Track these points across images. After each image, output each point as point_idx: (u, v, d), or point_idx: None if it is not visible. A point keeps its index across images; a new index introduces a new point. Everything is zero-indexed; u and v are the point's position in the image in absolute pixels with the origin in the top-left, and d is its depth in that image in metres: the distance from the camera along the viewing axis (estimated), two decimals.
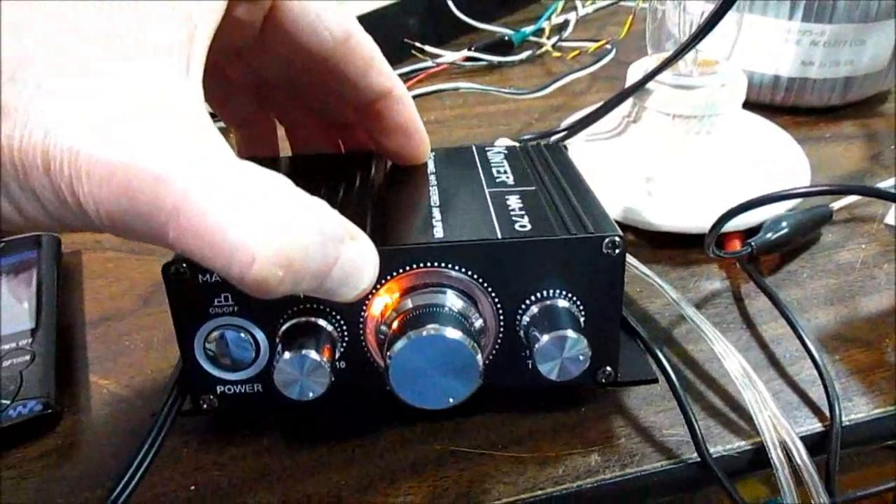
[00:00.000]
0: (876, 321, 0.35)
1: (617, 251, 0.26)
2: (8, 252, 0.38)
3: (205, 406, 0.28)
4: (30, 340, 0.33)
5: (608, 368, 0.29)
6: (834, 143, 0.48)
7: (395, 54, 0.56)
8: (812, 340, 0.33)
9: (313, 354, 0.24)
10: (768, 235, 0.37)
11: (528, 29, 0.59)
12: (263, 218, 0.19)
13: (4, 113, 0.18)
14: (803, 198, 0.38)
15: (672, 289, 0.35)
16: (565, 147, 0.34)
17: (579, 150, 0.42)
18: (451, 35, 0.59)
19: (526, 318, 0.26)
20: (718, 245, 0.38)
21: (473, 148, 0.34)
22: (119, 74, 0.19)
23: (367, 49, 0.29)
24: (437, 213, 0.27)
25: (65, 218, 0.19)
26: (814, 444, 0.30)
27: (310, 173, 0.31)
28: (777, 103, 0.50)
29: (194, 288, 0.25)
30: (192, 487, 0.28)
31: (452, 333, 0.24)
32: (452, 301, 0.25)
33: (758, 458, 0.30)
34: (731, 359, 0.31)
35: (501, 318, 0.27)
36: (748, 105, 0.44)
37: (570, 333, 0.25)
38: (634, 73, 0.41)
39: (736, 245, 0.37)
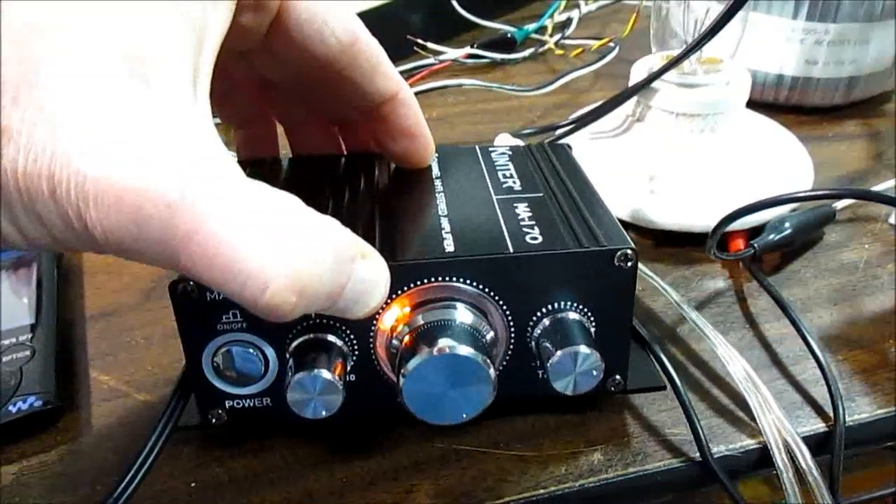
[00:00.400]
0: (879, 321, 0.35)
1: (629, 264, 0.26)
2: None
3: (213, 420, 0.27)
4: (30, 336, 0.33)
5: (617, 377, 0.29)
6: (837, 142, 0.48)
7: (398, 51, 0.56)
8: (815, 340, 0.33)
9: (325, 374, 0.24)
10: (771, 236, 0.37)
11: (531, 26, 0.58)
12: (276, 243, 0.18)
13: (6, 136, 0.17)
14: (805, 202, 0.38)
15: (674, 290, 0.35)
16: (569, 147, 0.34)
17: (582, 149, 0.42)
18: (454, 32, 0.59)
19: (538, 331, 0.26)
20: (722, 243, 0.38)
21: (477, 149, 0.34)
22: (126, 94, 0.18)
23: (374, 53, 0.28)
24: (445, 224, 0.27)
25: (69, 241, 0.18)
26: (817, 444, 0.30)
27: (314, 176, 0.31)
28: (780, 102, 0.50)
29: (202, 305, 0.25)
30: (193, 484, 0.28)
31: (465, 351, 0.24)
32: (464, 315, 0.25)
33: (761, 458, 0.29)
34: (734, 362, 0.31)
35: (512, 329, 0.27)
36: (751, 104, 0.44)
37: (583, 349, 0.25)
38: (638, 71, 0.41)
39: (739, 244, 0.37)
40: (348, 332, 0.26)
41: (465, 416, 0.25)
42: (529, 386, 0.28)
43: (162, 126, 0.18)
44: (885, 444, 0.33)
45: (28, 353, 0.32)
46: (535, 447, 0.29)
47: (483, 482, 0.28)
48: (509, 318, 0.26)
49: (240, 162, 0.32)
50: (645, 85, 0.38)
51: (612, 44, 0.54)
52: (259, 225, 0.18)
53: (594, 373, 0.25)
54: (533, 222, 0.27)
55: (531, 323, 0.27)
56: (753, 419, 0.30)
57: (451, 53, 0.55)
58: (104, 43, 0.18)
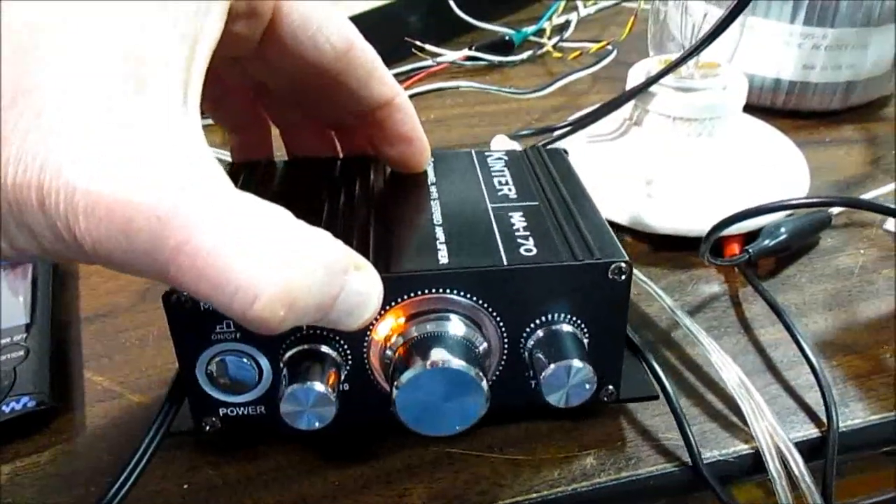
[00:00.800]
0: (874, 327, 0.35)
1: (623, 276, 0.26)
2: None
3: (207, 427, 0.28)
4: (24, 336, 0.33)
5: (610, 387, 0.29)
6: (835, 147, 0.48)
7: (395, 53, 0.56)
8: (809, 345, 0.33)
9: (318, 386, 0.24)
10: (766, 242, 0.37)
11: (529, 29, 0.59)
12: (265, 255, 0.18)
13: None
14: (798, 209, 0.38)
15: (669, 295, 0.35)
16: (566, 152, 0.34)
17: (580, 152, 0.42)
18: (452, 34, 0.59)
19: (531, 341, 0.27)
20: (717, 248, 0.38)
21: (473, 153, 0.34)
22: (121, 102, 0.18)
23: (369, 59, 0.28)
24: (440, 234, 0.27)
25: (59, 251, 0.18)
26: (810, 449, 0.30)
27: (308, 181, 0.31)
28: (778, 107, 0.50)
29: (196, 315, 0.25)
30: (186, 486, 0.28)
31: (458, 364, 0.24)
32: (457, 327, 0.25)
33: (754, 464, 0.30)
34: (727, 369, 0.31)
35: (506, 339, 0.27)
36: (749, 108, 0.44)
37: (576, 363, 0.25)
38: (635, 75, 0.41)
39: (735, 249, 0.37)
40: (342, 342, 0.26)
41: (457, 427, 0.25)
42: (522, 395, 0.28)
43: (154, 137, 0.18)
44: (879, 449, 0.33)
45: (22, 353, 0.32)
46: (529, 451, 0.29)
47: (476, 486, 0.28)
48: (503, 328, 0.26)
49: (234, 164, 0.33)
50: (643, 89, 0.38)
51: (609, 47, 0.54)
52: (249, 237, 0.18)
53: (587, 386, 0.26)
54: (528, 232, 0.27)
55: (525, 333, 0.27)
56: (747, 424, 0.30)
57: (449, 55, 0.55)
58: (104, 42, 0.18)
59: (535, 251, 0.26)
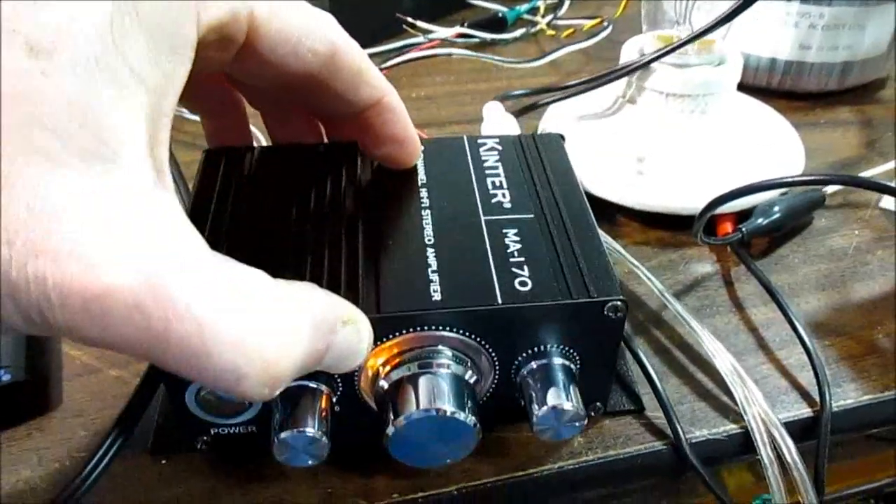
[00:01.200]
0: (867, 308, 0.35)
1: (619, 314, 0.25)
2: None
3: (199, 446, 0.27)
4: None
5: (598, 404, 0.29)
6: (830, 128, 0.48)
7: (387, 29, 0.55)
8: (802, 325, 0.32)
9: (310, 430, 0.24)
10: (760, 220, 0.37)
11: (523, 7, 0.58)
12: (245, 335, 0.18)
13: None
14: (792, 187, 0.37)
15: (660, 277, 0.34)
16: (562, 137, 0.33)
17: (571, 130, 0.41)
18: (444, 11, 0.58)
19: (523, 370, 0.26)
20: (710, 227, 0.37)
21: (465, 142, 0.33)
22: (84, 188, 0.17)
23: (355, 61, 0.27)
24: (432, 259, 0.26)
25: (33, 332, 0.17)
26: (802, 429, 0.30)
27: (290, 177, 0.30)
28: (774, 87, 0.49)
29: None
30: (164, 462, 0.28)
31: (451, 409, 0.24)
32: (450, 363, 0.25)
33: (745, 443, 0.29)
34: (719, 355, 0.30)
35: (497, 366, 0.26)
36: (744, 88, 0.43)
37: (566, 405, 0.25)
38: (629, 51, 0.40)
39: (727, 227, 0.37)
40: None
41: (448, 461, 0.26)
42: (511, 415, 0.28)
43: (125, 222, 0.17)
44: (871, 430, 0.32)
45: None
46: (516, 429, 0.29)
47: (462, 464, 0.27)
48: (494, 357, 0.26)
49: (209, 152, 0.32)
50: (643, 66, 0.37)
51: (605, 23, 0.54)
52: (228, 318, 0.18)
53: (577, 424, 0.26)
54: (522, 258, 0.26)
55: (517, 361, 0.26)
56: (736, 403, 0.29)
57: (441, 32, 0.54)
58: (64, 121, 0.17)
59: (529, 285, 0.25)
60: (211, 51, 0.23)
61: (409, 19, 0.54)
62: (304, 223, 0.28)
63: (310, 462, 0.25)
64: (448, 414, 0.24)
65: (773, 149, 0.41)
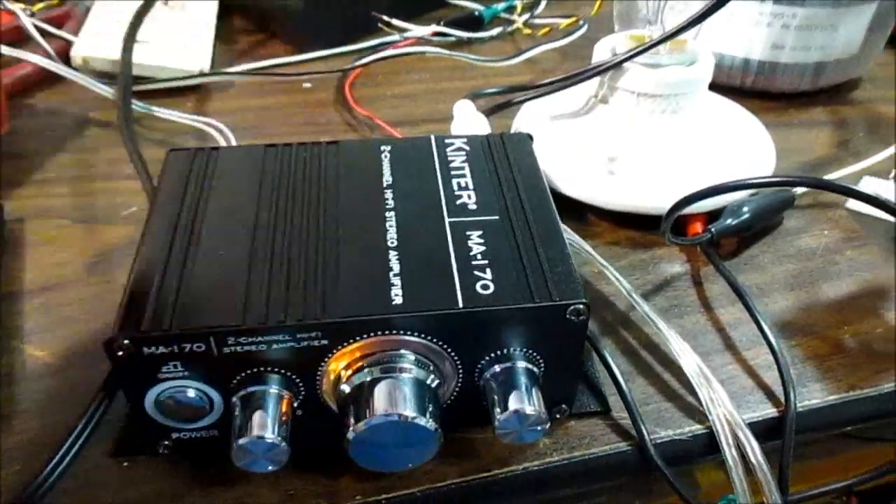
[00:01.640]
0: (835, 308, 0.35)
1: (581, 318, 0.25)
2: None
3: (161, 451, 0.27)
4: None
5: (563, 406, 0.29)
6: (803, 128, 0.48)
7: (362, 27, 0.54)
8: (769, 325, 0.32)
9: (269, 437, 0.24)
10: (729, 221, 0.37)
11: (500, 5, 0.57)
12: None
13: None
14: (760, 188, 0.37)
15: (628, 276, 0.34)
16: (530, 137, 0.33)
17: (542, 129, 0.41)
18: (420, 9, 0.58)
19: (486, 374, 0.26)
20: (681, 227, 0.37)
21: (433, 142, 0.33)
22: None
23: None
24: (394, 262, 0.26)
25: None
26: (768, 429, 0.30)
27: (253, 176, 0.30)
28: (747, 87, 0.49)
29: (140, 360, 0.24)
30: (126, 464, 0.27)
31: (412, 414, 0.24)
32: (411, 368, 0.25)
33: (710, 443, 0.29)
34: (685, 356, 0.30)
35: (461, 370, 0.26)
36: (717, 88, 0.43)
37: (528, 409, 0.25)
38: (601, 50, 0.40)
39: (697, 227, 0.37)
40: (293, 376, 0.25)
41: (410, 465, 0.26)
42: (474, 416, 0.28)
43: None
44: (836, 430, 0.32)
45: None
46: (481, 430, 0.29)
47: (426, 465, 0.27)
48: (457, 361, 0.26)
49: (177, 150, 0.31)
50: (616, 65, 0.37)
51: (581, 22, 0.54)
52: None
53: (539, 427, 0.26)
54: (486, 260, 0.26)
55: (480, 366, 0.26)
56: (702, 404, 0.30)
57: (417, 30, 0.54)
58: None
59: (491, 288, 0.25)
60: None
61: (385, 17, 0.53)
62: (266, 225, 0.28)
63: (270, 468, 0.25)
64: (409, 419, 0.24)
65: (744, 149, 0.41)
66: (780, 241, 0.39)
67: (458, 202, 0.29)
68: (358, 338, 0.25)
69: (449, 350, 0.26)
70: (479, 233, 0.28)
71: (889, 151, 0.43)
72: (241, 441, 0.24)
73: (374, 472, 0.27)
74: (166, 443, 0.27)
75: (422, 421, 0.24)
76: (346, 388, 0.25)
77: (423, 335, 0.25)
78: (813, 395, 0.31)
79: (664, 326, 0.32)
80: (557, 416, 0.29)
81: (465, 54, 0.51)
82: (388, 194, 0.29)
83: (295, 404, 0.26)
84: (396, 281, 0.25)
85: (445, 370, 0.26)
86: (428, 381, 0.25)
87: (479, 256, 0.27)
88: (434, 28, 0.54)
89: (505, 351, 0.26)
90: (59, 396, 0.30)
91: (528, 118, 0.43)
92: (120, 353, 0.24)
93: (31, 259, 0.37)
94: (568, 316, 0.25)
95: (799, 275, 0.37)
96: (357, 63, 0.50)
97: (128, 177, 0.42)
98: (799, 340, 0.33)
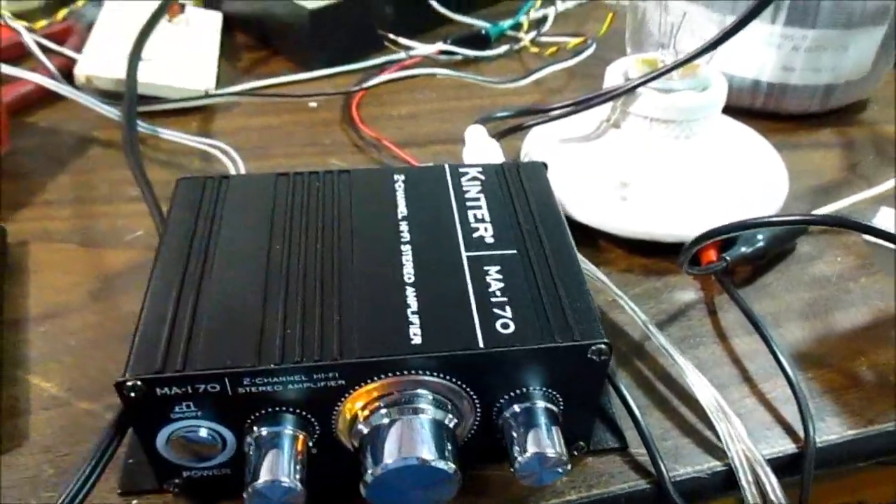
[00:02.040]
0: (850, 338, 0.35)
1: (603, 357, 0.25)
2: None
3: (172, 489, 0.26)
4: None
5: (581, 443, 0.28)
6: (812, 150, 0.48)
7: (367, 44, 0.54)
8: (786, 357, 0.32)
9: (285, 481, 0.23)
10: (743, 249, 0.36)
11: (506, 23, 0.57)
12: None
13: None
14: (783, 226, 0.37)
15: (643, 307, 0.34)
16: (545, 165, 0.33)
17: (555, 153, 0.41)
18: (426, 27, 0.57)
19: (505, 413, 0.26)
20: (694, 254, 0.37)
21: (447, 171, 0.32)
22: None
23: None
24: (412, 299, 0.26)
25: None
26: (786, 465, 0.29)
27: (264, 207, 0.30)
28: (756, 108, 0.49)
29: (153, 400, 0.23)
30: (135, 502, 0.27)
31: (430, 457, 0.23)
32: (430, 409, 0.25)
33: (729, 480, 0.29)
34: (703, 390, 0.30)
35: (479, 409, 0.26)
36: (726, 109, 0.43)
37: (549, 451, 0.25)
38: (613, 74, 0.40)
39: (711, 255, 0.36)
40: (308, 415, 0.25)
41: None
42: (491, 453, 0.27)
43: None
44: (854, 464, 0.32)
45: None
46: (497, 467, 0.28)
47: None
48: (476, 400, 0.26)
49: (186, 180, 0.31)
50: (630, 91, 0.37)
51: (589, 41, 0.53)
52: None
53: (559, 471, 0.25)
54: (504, 297, 0.26)
55: (498, 404, 0.26)
56: (722, 441, 0.29)
57: (423, 49, 0.53)
58: None
59: (512, 327, 0.25)
60: None
61: (391, 36, 0.53)
62: (279, 258, 0.27)
63: None
64: (428, 462, 0.23)
65: (757, 174, 0.41)
66: (794, 267, 0.38)
67: (475, 235, 0.29)
68: (376, 378, 0.24)
69: (467, 389, 0.25)
70: (497, 268, 0.27)
71: None
72: (258, 485, 0.23)
73: None
74: (176, 481, 0.26)
75: (441, 464, 0.24)
76: (363, 429, 0.24)
77: (441, 375, 0.25)
78: (832, 430, 0.30)
79: (680, 359, 0.31)
80: (575, 452, 0.28)
81: (475, 76, 0.50)
82: (404, 226, 0.29)
83: (310, 443, 0.25)
84: (415, 319, 0.25)
85: (463, 409, 0.26)
86: (446, 422, 0.25)
87: (497, 293, 0.26)
88: (440, 46, 0.53)
89: (524, 389, 0.26)
90: (64, 430, 0.29)
91: (538, 142, 0.43)
92: (132, 395, 0.23)
93: (34, 285, 0.36)
94: (590, 356, 0.25)
95: (813, 303, 0.36)
96: (366, 84, 0.50)
97: (131, 199, 0.41)
98: (815, 373, 0.33)
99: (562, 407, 0.26)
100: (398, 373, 0.24)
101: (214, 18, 0.56)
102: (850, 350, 0.34)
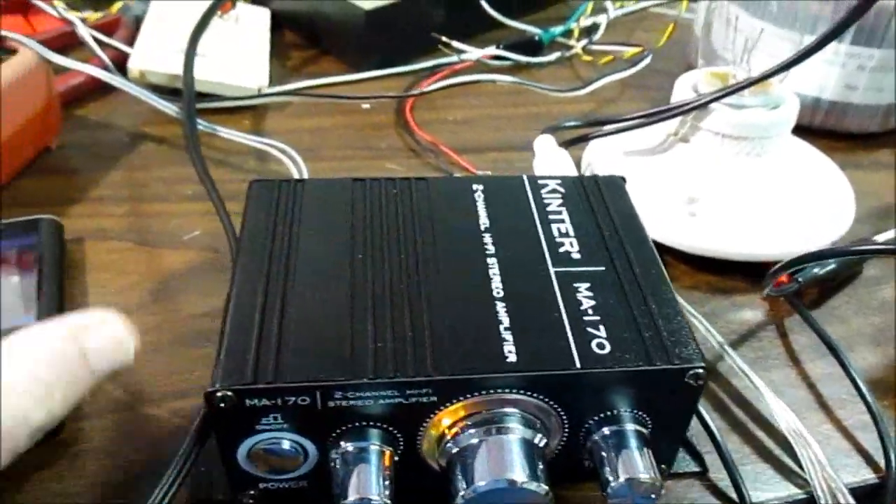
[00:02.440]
0: None
1: (699, 382, 0.24)
2: (6, 237, 0.35)
3: (246, 501, 0.26)
4: None
5: (663, 466, 0.28)
6: (872, 170, 0.47)
7: (420, 47, 0.53)
8: (863, 383, 0.31)
9: (375, 498, 0.23)
10: (815, 270, 0.36)
11: (557, 29, 0.56)
12: None
13: None
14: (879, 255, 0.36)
15: (714, 326, 0.33)
16: (623, 179, 0.32)
17: (617, 166, 0.40)
18: (477, 30, 0.56)
19: (594, 435, 0.25)
20: (757, 272, 0.36)
21: (526, 182, 0.31)
22: None
23: None
24: (503, 314, 0.25)
25: None
26: (866, 495, 0.29)
27: (343, 213, 0.29)
28: (815, 126, 0.48)
29: (241, 411, 0.23)
30: None
31: (521, 477, 0.23)
32: (521, 429, 0.24)
33: None
34: (782, 415, 0.29)
35: (566, 428, 0.25)
36: None
37: (644, 477, 0.24)
38: (682, 87, 0.39)
39: (783, 277, 0.35)
40: (395, 431, 0.24)
41: None
42: (575, 474, 0.27)
43: None
44: None
45: None
46: (575, 487, 0.27)
47: None
48: (564, 419, 0.25)
49: (259, 182, 0.30)
50: (704, 104, 0.36)
51: (645, 52, 0.52)
52: None
53: (653, 497, 0.24)
54: (597, 317, 0.25)
55: (587, 425, 0.25)
56: (801, 467, 0.28)
57: (475, 53, 0.52)
58: None
59: (607, 348, 0.24)
60: None
61: (444, 39, 0.52)
62: (362, 266, 0.27)
63: None
64: (520, 484, 0.23)
65: (824, 193, 0.40)
66: (862, 291, 0.38)
67: (561, 250, 0.28)
68: (468, 395, 0.24)
69: (557, 408, 0.25)
70: (587, 285, 0.26)
71: None
72: (350, 501, 0.23)
73: None
74: (252, 492, 0.26)
75: (533, 486, 0.23)
76: (452, 448, 0.24)
77: (532, 394, 0.24)
78: None
79: (759, 382, 0.31)
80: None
81: (535, 83, 0.50)
82: (487, 238, 0.28)
83: (395, 459, 0.25)
84: (508, 336, 0.24)
85: (551, 428, 0.25)
86: (536, 441, 0.24)
87: (590, 311, 0.25)
88: (493, 51, 0.53)
89: (614, 411, 0.25)
90: (129, 435, 0.29)
91: (600, 154, 0.42)
92: (222, 405, 0.22)
93: (92, 283, 0.35)
94: (686, 380, 0.24)
95: (885, 329, 0.36)
96: (425, 89, 0.49)
97: (185, 198, 0.41)
98: (890, 401, 0.32)
99: (650, 429, 0.26)
100: (491, 391, 0.24)
101: (263, 15, 0.55)
102: None
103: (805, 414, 0.31)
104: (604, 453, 0.25)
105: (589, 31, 0.57)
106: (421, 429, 0.24)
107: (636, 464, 0.24)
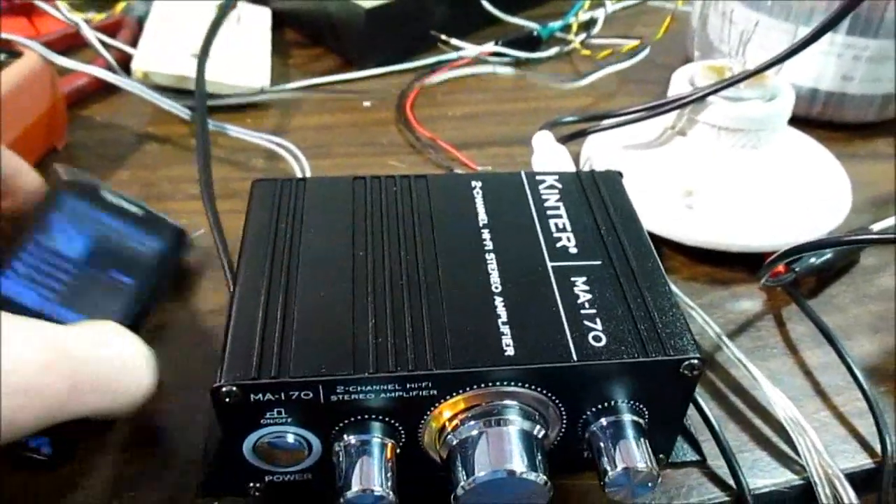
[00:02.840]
0: None
1: (695, 372, 0.25)
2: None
3: (252, 493, 0.26)
4: None
5: (661, 455, 0.28)
6: (869, 161, 0.47)
7: (420, 45, 0.54)
8: (860, 370, 0.32)
9: (378, 489, 0.23)
10: (812, 260, 0.36)
11: (556, 24, 0.57)
12: None
13: None
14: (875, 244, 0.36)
15: (711, 317, 0.34)
16: (620, 174, 0.32)
17: (615, 160, 0.41)
18: (476, 27, 0.57)
19: (592, 426, 0.26)
20: (755, 262, 0.37)
21: (523, 178, 0.32)
22: None
23: None
24: (500, 309, 0.26)
25: None
26: (862, 480, 0.29)
27: (343, 211, 0.29)
28: (812, 117, 0.48)
29: (246, 406, 0.23)
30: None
31: (521, 468, 0.23)
32: (517, 419, 0.24)
33: (807, 494, 0.29)
34: (779, 403, 0.30)
35: (564, 419, 0.26)
36: None
37: (641, 465, 0.24)
38: (679, 80, 0.39)
39: (780, 267, 0.36)
40: (396, 424, 0.25)
41: None
42: (574, 464, 0.27)
43: None
44: None
45: None
46: (576, 476, 0.28)
47: None
48: (562, 411, 0.26)
49: (262, 181, 0.31)
50: (701, 98, 0.37)
51: (643, 44, 0.53)
52: None
53: (649, 485, 0.25)
54: (594, 310, 0.26)
55: (585, 416, 0.26)
56: (798, 454, 0.29)
57: (473, 50, 0.53)
58: None
59: (604, 340, 0.25)
60: None
61: (443, 36, 0.53)
62: (363, 263, 0.27)
63: None
64: (519, 474, 0.23)
65: (821, 183, 0.41)
66: (859, 279, 0.38)
67: (559, 245, 0.28)
68: (467, 389, 0.24)
69: (555, 400, 0.25)
70: (584, 279, 0.27)
71: None
72: (349, 495, 0.23)
73: None
74: (258, 485, 0.26)
75: (532, 476, 0.23)
76: (452, 440, 0.24)
77: (531, 386, 0.24)
78: None
79: (756, 371, 0.31)
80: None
81: (533, 73, 0.50)
82: (486, 234, 0.29)
83: (397, 451, 0.25)
84: (506, 330, 0.25)
85: (550, 419, 0.26)
86: (534, 432, 0.25)
87: (586, 305, 0.26)
88: (491, 48, 0.53)
89: (611, 402, 0.26)
90: (141, 429, 0.29)
91: (599, 148, 0.42)
92: (227, 400, 0.23)
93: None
94: (682, 371, 0.25)
95: (882, 317, 0.36)
96: (426, 82, 0.50)
97: (191, 197, 0.41)
98: (888, 387, 0.33)
99: (646, 419, 0.26)
100: (489, 384, 0.24)
101: (264, 14, 0.55)
102: None
103: (802, 402, 0.32)
104: (602, 444, 0.25)
105: (587, 26, 0.58)
106: (422, 421, 0.25)
107: (633, 453, 0.25)
